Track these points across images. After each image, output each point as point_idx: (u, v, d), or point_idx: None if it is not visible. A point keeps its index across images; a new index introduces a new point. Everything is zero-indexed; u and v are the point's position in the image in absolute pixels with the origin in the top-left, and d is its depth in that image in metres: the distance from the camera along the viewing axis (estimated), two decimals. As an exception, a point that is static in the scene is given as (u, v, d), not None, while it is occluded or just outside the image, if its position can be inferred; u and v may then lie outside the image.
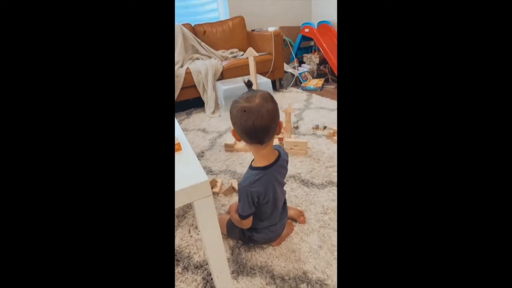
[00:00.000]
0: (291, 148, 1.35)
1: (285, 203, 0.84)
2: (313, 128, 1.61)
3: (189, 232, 0.92)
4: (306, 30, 2.52)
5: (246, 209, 0.71)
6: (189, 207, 1.04)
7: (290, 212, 0.93)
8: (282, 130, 1.47)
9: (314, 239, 0.85)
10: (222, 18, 2.59)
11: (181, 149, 0.66)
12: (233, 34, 2.42)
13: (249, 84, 0.70)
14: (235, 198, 1.07)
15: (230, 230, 0.84)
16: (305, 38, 2.60)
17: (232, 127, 0.70)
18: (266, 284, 0.73)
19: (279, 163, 0.74)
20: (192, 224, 0.95)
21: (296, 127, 1.65)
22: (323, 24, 2.52)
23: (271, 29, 2.22)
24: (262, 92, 0.67)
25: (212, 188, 1.13)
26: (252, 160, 0.76)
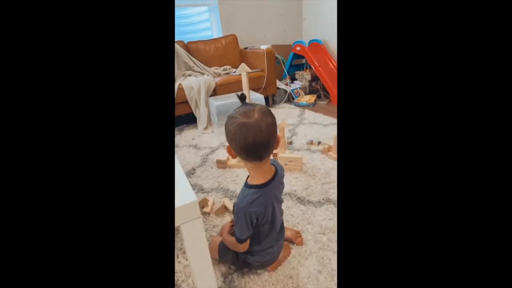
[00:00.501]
0: (285, 164, 1.30)
1: (282, 223, 0.78)
2: (307, 143, 1.58)
3: (177, 257, 0.85)
4: (298, 48, 2.57)
5: (244, 231, 0.65)
6: (176, 229, 0.97)
7: (287, 233, 0.86)
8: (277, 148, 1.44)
9: (313, 263, 0.79)
10: (215, 36, 2.63)
11: (168, 167, 0.61)
12: (226, 51, 2.44)
13: (242, 98, 0.66)
14: (227, 218, 1.01)
15: (223, 254, 0.77)
16: (296, 56, 2.66)
17: (226, 144, 0.66)
18: (262, 316, 0.65)
19: (277, 178, 0.69)
20: (181, 249, 0.88)
21: (290, 143, 1.62)
22: (314, 43, 2.59)
23: (264, 47, 2.25)
24: (259, 106, 0.64)
25: (202, 207, 1.07)
26: (247, 177, 0.71)
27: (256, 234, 0.69)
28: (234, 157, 0.66)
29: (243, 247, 0.69)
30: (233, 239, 0.70)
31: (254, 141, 0.59)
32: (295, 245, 0.86)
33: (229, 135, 0.62)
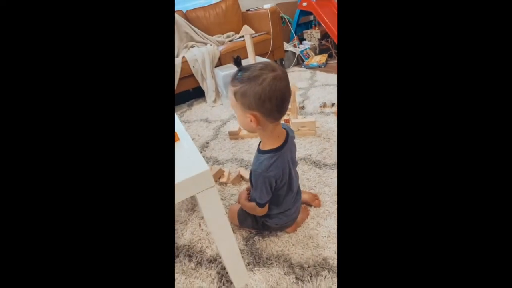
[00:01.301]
0: (298, 130, 1.27)
1: (298, 185, 0.78)
2: (320, 107, 1.52)
3: (200, 225, 0.89)
4: (304, 4, 2.36)
5: (264, 196, 0.65)
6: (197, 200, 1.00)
7: (304, 196, 0.87)
8: (288, 112, 1.40)
9: (331, 223, 0.80)
10: (214, 1, 2.46)
11: (178, 139, 0.60)
12: (227, 16, 2.29)
13: (238, 61, 0.61)
14: (244, 187, 1.02)
15: (243, 219, 0.80)
16: (304, 13, 2.44)
17: (247, 114, 0.58)
18: (285, 274, 0.68)
19: (289, 141, 0.68)
20: (202, 218, 0.91)
21: (302, 107, 1.57)
22: (321, -5, 2.35)
23: (267, 6, 2.08)
24: (264, 62, 0.60)
25: (219, 178, 1.08)
26: (259, 144, 0.69)
27: (275, 197, 0.70)
28: (257, 125, 0.60)
29: (263, 210, 0.70)
30: (251, 204, 0.71)
31: (288, 92, 0.58)
32: (313, 207, 0.87)
33: (258, 97, 0.55)
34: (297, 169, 0.77)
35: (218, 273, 0.72)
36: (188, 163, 0.51)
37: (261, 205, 0.68)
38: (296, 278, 0.67)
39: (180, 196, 0.47)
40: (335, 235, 0.76)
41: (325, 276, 0.66)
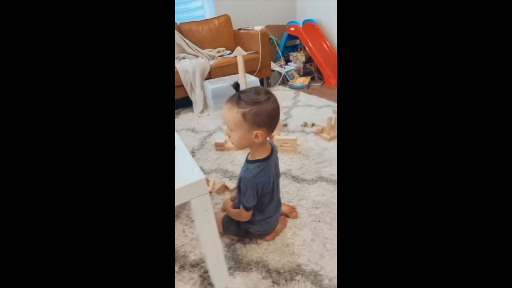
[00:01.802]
0: (281, 146, 1.37)
1: (279, 196, 0.87)
2: (301, 126, 1.64)
3: (184, 231, 0.93)
4: (292, 29, 2.55)
5: (250, 201, 0.74)
6: (182, 207, 1.04)
7: (283, 208, 0.95)
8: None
9: (306, 233, 0.88)
10: (208, 15, 2.57)
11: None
12: (219, 32, 2.40)
13: (237, 86, 0.71)
14: (228, 196, 1.09)
15: (226, 226, 0.86)
16: (291, 37, 2.63)
17: (225, 128, 0.72)
18: (262, 278, 0.75)
19: (274, 154, 0.78)
20: (186, 224, 0.96)
21: (285, 125, 1.68)
22: (308, 23, 2.56)
23: (258, 28, 2.22)
24: (257, 87, 0.73)
25: (204, 187, 1.13)
26: (247, 156, 0.78)
27: (259, 204, 0.78)
28: (263, 139, 0.70)
29: (247, 215, 0.78)
30: (237, 210, 0.79)
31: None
32: (290, 218, 0.95)
33: (270, 116, 0.68)
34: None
35: (201, 276, 0.76)
36: (186, 171, 0.57)
37: (247, 209, 0.75)
38: (273, 282, 0.74)
39: (178, 200, 0.53)
40: (309, 244, 0.84)
41: (299, 280, 0.73)
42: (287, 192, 1.08)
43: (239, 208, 0.77)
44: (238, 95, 0.68)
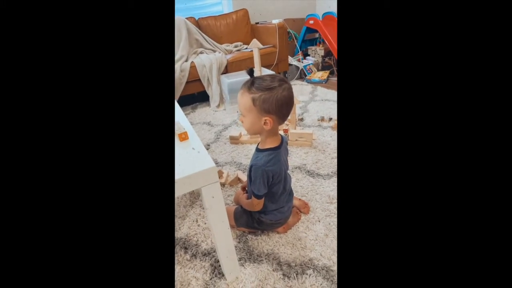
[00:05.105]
0: (296, 140, 1.35)
1: (290, 187, 0.86)
2: (318, 120, 1.60)
3: (197, 221, 0.94)
4: (311, 22, 2.48)
5: (261, 188, 0.73)
6: (195, 197, 1.06)
7: (295, 202, 0.94)
8: (287, 122, 1.48)
9: (320, 228, 0.86)
10: (226, 11, 2.57)
11: (188, 138, 0.67)
12: (237, 27, 2.40)
13: (251, 72, 0.70)
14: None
15: (238, 217, 0.86)
16: (310, 30, 2.57)
17: (238, 121, 0.72)
18: (273, 270, 0.74)
19: (284, 144, 0.77)
20: (199, 214, 0.97)
21: (301, 119, 1.65)
22: (328, 16, 2.48)
23: (275, 21, 2.20)
24: (271, 74, 0.71)
25: (218, 178, 1.14)
26: (258, 144, 0.78)
27: (271, 194, 0.77)
28: (271, 126, 0.69)
29: (259, 204, 0.77)
30: (249, 200, 0.79)
31: (293, 101, 0.70)
32: (302, 214, 0.93)
33: (280, 103, 0.66)
34: (292, 176, 0.84)
35: (212, 265, 0.77)
36: (197, 160, 0.57)
37: (258, 197, 0.75)
38: (283, 274, 0.73)
39: (188, 187, 0.54)
40: (322, 239, 0.82)
41: (310, 275, 0.72)
42: (301, 186, 1.06)
43: (251, 194, 0.76)
44: (252, 81, 0.67)
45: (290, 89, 0.68)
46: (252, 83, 0.67)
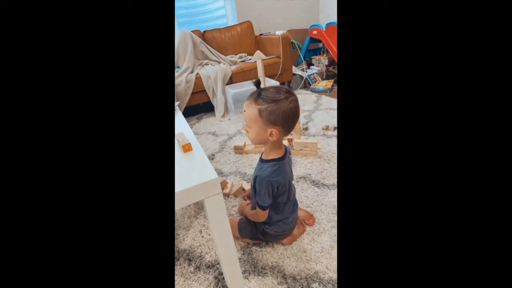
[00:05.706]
0: (300, 149, 1.34)
1: (295, 198, 0.85)
2: (323, 129, 1.60)
3: (201, 232, 0.94)
4: (314, 32, 2.52)
5: (266, 199, 0.72)
6: (200, 208, 1.06)
7: (300, 213, 0.92)
8: (292, 132, 1.48)
9: (325, 240, 0.84)
10: (230, 23, 2.64)
11: (192, 149, 0.68)
12: (241, 39, 2.45)
13: (258, 84, 0.71)
14: (245, 199, 1.08)
15: (242, 228, 0.85)
16: (313, 40, 2.61)
17: (243, 131, 0.72)
18: (278, 283, 0.73)
19: (287, 155, 0.77)
20: (204, 225, 0.97)
21: (306, 129, 1.65)
22: (331, 26, 2.51)
23: (279, 32, 2.23)
24: (277, 86, 0.72)
25: (222, 189, 1.14)
26: (261, 155, 0.78)
27: (275, 205, 0.77)
28: (276, 138, 0.69)
29: (264, 215, 0.77)
30: (253, 211, 0.78)
31: (299, 113, 0.70)
32: (307, 225, 0.92)
33: (286, 115, 0.66)
34: (296, 186, 0.83)
35: (215, 278, 0.76)
36: (200, 171, 0.58)
37: (263, 208, 0.74)
38: (288, 288, 0.71)
39: (190, 199, 0.54)
40: (328, 251, 0.80)
41: (316, 289, 0.70)
42: (306, 196, 1.05)
43: (256, 205, 0.76)
44: (259, 92, 0.68)
45: (296, 101, 0.68)
46: (259, 95, 0.67)
